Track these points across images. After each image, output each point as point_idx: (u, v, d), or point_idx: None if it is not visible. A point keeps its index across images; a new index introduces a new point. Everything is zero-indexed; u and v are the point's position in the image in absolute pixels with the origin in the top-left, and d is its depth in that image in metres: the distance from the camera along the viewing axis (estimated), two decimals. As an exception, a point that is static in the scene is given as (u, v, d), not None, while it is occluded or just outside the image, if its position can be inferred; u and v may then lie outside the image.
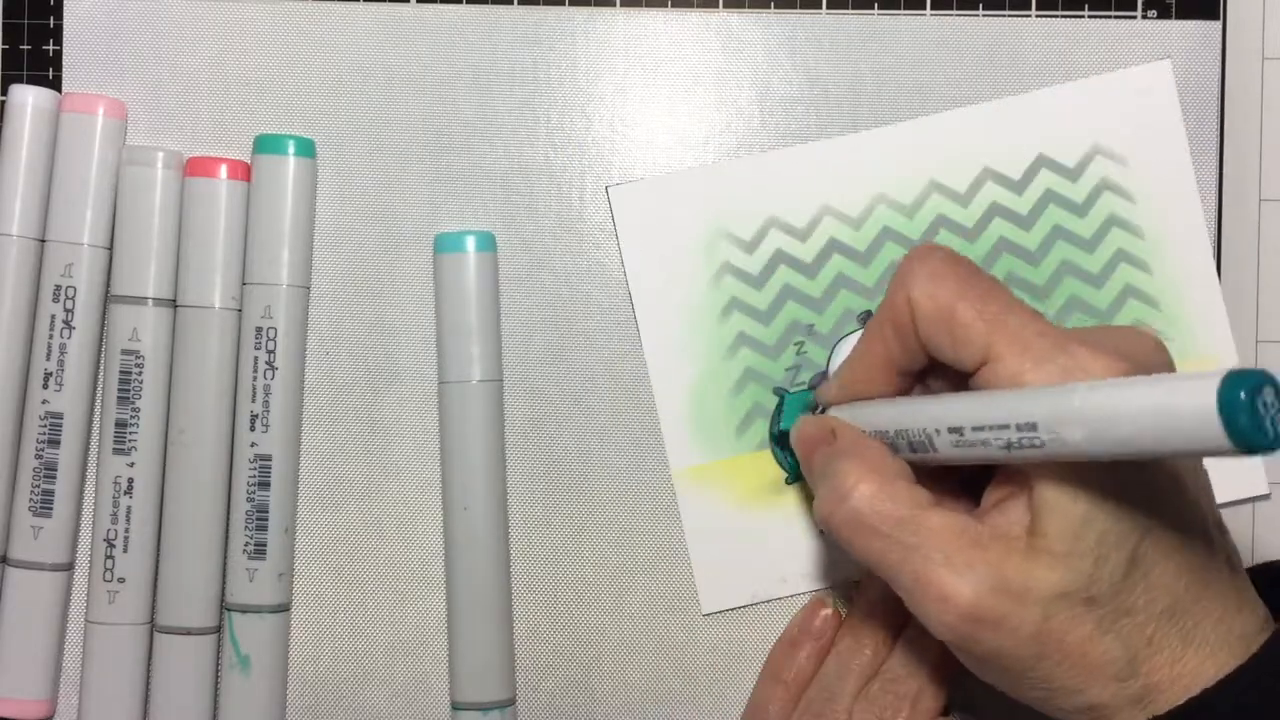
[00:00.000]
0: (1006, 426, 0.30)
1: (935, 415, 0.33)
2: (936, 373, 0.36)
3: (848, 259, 0.43)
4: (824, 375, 0.43)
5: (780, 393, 0.43)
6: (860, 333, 0.40)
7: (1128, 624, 0.32)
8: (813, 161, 0.43)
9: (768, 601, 0.43)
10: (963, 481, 0.36)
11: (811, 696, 0.40)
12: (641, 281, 0.43)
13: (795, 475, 0.43)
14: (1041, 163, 0.43)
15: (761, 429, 0.43)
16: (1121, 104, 0.43)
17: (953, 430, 0.32)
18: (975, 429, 0.31)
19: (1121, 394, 0.27)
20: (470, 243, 0.42)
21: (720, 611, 0.43)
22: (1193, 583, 0.32)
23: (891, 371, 0.36)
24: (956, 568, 0.32)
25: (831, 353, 0.43)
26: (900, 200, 0.43)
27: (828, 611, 0.42)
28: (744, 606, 0.43)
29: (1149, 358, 0.33)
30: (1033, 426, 0.29)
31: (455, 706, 0.42)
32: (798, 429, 0.38)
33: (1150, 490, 0.32)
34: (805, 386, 0.43)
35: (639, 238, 0.43)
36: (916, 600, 0.32)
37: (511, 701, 0.42)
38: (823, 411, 0.38)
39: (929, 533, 0.32)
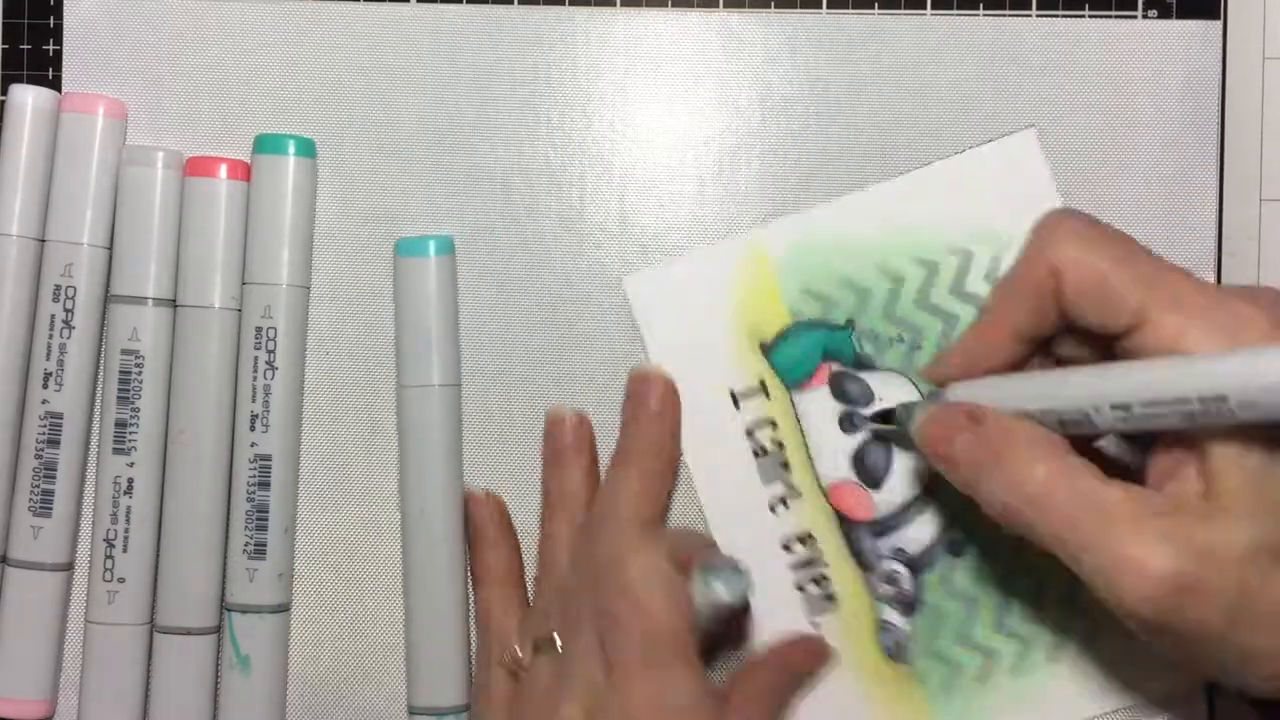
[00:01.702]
0: (1189, 399, 0.29)
1: (1098, 390, 0.32)
2: (1067, 337, 0.35)
3: (886, 320, 0.43)
4: (869, 362, 0.43)
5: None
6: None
7: None
8: (821, 224, 0.43)
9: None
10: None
11: (538, 600, 0.41)
12: (668, 365, 0.43)
13: (775, 368, 0.43)
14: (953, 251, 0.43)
15: None
16: (994, 182, 0.43)
17: (1117, 406, 0.31)
18: (1146, 404, 0.31)
19: None
20: (431, 247, 0.42)
21: None
22: None
23: (1017, 341, 0.35)
24: (1149, 539, 0.31)
25: (885, 368, 0.43)
26: (924, 256, 0.43)
27: (484, 498, 0.42)
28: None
29: (1274, 323, 0.32)
30: (1222, 398, 0.29)
31: (411, 711, 0.42)
32: (927, 421, 0.36)
33: None
34: (852, 335, 0.43)
35: (661, 324, 0.43)
36: (1110, 579, 0.31)
37: (467, 706, 0.42)
38: (933, 396, 0.37)
39: (1114, 507, 0.31)
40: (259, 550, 0.42)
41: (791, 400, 0.43)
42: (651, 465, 0.41)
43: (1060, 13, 0.44)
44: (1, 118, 0.42)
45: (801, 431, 0.43)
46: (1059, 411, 0.33)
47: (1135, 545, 0.31)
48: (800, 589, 0.42)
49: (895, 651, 0.42)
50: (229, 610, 0.42)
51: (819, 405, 0.43)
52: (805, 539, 0.43)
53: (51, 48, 0.44)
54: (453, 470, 0.42)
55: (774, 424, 0.43)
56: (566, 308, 0.43)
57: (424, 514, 0.42)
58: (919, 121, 0.43)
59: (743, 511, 0.43)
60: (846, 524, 0.43)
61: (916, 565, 0.43)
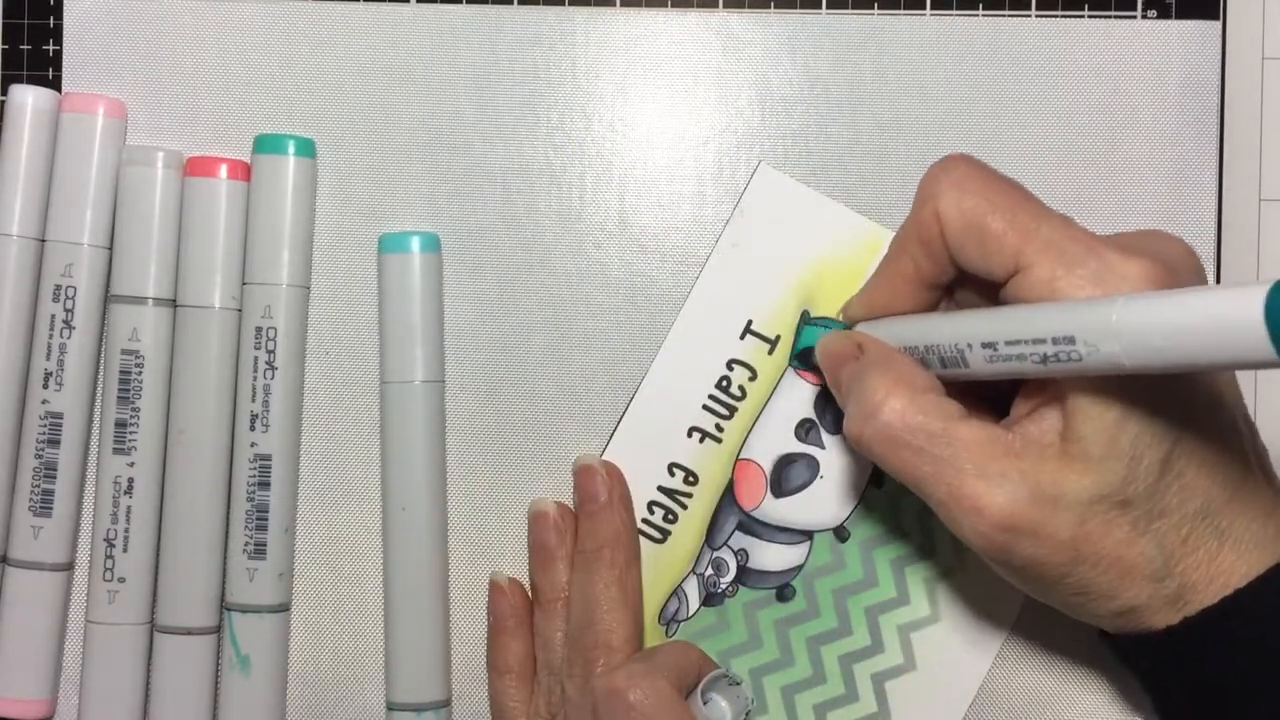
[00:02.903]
0: (1043, 341, 0.30)
1: (967, 330, 0.33)
2: (964, 285, 0.36)
3: None
4: None
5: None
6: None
7: (1162, 525, 0.32)
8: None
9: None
10: (989, 396, 0.36)
11: (541, 679, 0.41)
12: (721, 270, 0.43)
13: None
14: None
15: None
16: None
17: (986, 345, 0.32)
18: (1009, 343, 0.31)
19: (1161, 307, 0.27)
20: (415, 243, 0.42)
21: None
22: (1226, 484, 0.32)
23: (918, 286, 0.36)
24: (990, 478, 0.31)
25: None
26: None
27: (507, 586, 0.42)
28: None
29: (1181, 261, 0.33)
30: (1070, 340, 0.29)
31: (390, 707, 0.42)
32: (823, 345, 0.38)
33: (1183, 396, 0.32)
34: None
35: (756, 223, 0.43)
36: (950, 513, 0.32)
37: (446, 703, 0.42)
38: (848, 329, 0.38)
39: (961, 444, 0.32)
40: (259, 550, 0.42)
41: (784, 372, 0.43)
42: (616, 558, 0.41)
43: (1060, 13, 0.44)
44: (1, 118, 0.42)
45: (767, 402, 0.43)
46: (939, 348, 0.34)
47: (977, 483, 0.32)
48: (650, 510, 0.43)
49: (667, 619, 0.43)
50: (229, 610, 0.42)
51: (797, 397, 0.43)
52: (690, 476, 0.43)
53: (51, 48, 0.44)
54: (435, 468, 0.42)
55: (754, 376, 0.43)
56: (566, 308, 0.43)
57: (406, 510, 0.42)
58: (919, 121, 0.43)
59: (670, 412, 0.43)
60: (728, 496, 0.43)
61: (742, 578, 0.43)
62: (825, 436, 0.43)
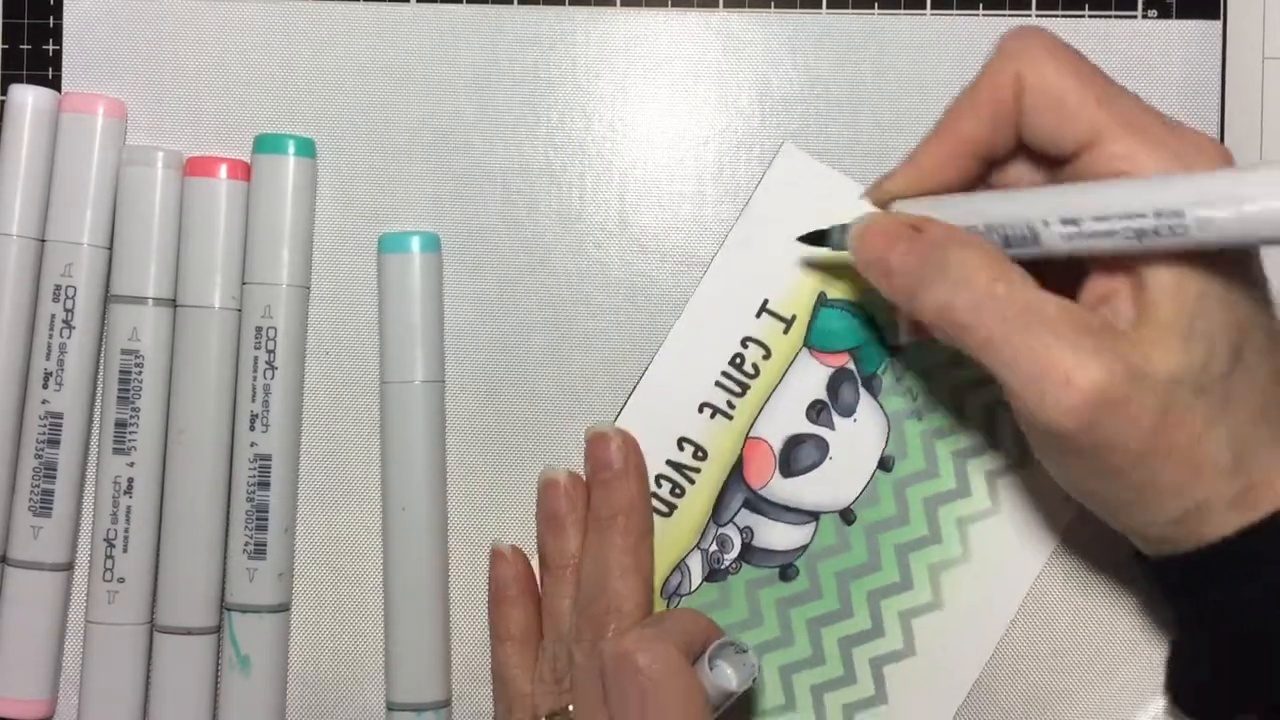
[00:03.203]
0: (1143, 215, 0.29)
1: (1043, 206, 0.32)
2: (1012, 168, 0.35)
3: None
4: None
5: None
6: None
7: (1232, 419, 0.32)
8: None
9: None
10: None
11: (546, 646, 0.41)
12: (742, 246, 0.43)
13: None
14: None
15: None
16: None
17: (1067, 221, 0.31)
18: (1098, 219, 0.30)
19: (1274, 177, 0.28)
20: (415, 243, 0.42)
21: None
22: None
23: (971, 158, 0.35)
24: (1082, 352, 0.31)
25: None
26: None
27: (509, 554, 0.42)
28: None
29: (1227, 156, 0.33)
30: (1178, 213, 0.29)
31: (390, 707, 0.42)
32: (867, 227, 0.35)
33: (1249, 287, 0.32)
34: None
35: (779, 201, 0.43)
36: (1038, 387, 0.31)
37: (446, 703, 0.42)
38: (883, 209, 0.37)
39: (1050, 319, 0.31)
40: (259, 550, 0.42)
41: (799, 353, 0.43)
42: (631, 525, 0.41)
43: (1060, 13, 0.44)
44: (1, 118, 0.42)
45: (780, 381, 0.43)
46: (1005, 227, 0.33)
47: (1067, 356, 0.31)
48: (658, 484, 0.43)
49: (669, 593, 0.43)
50: (229, 610, 0.42)
51: (810, 378, 0.43)
52: (700, 451, 0.43)
53: (51, 48, 0.44)
54: (435, 468, 0.42)
55: (768, 354, 0.43)
56: (566, 308, 0.43)
57: (405, 510, 0.42)
58: (919, 121, 0.43)
59: (682, 385, 0.43)
60: (735, 471, 0.43)
61: (746, 556, 0.43)
62: (836, 418, 0.43)
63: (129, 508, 0.42)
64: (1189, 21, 0.44)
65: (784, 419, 0.43)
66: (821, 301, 0.43)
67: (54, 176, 0.42)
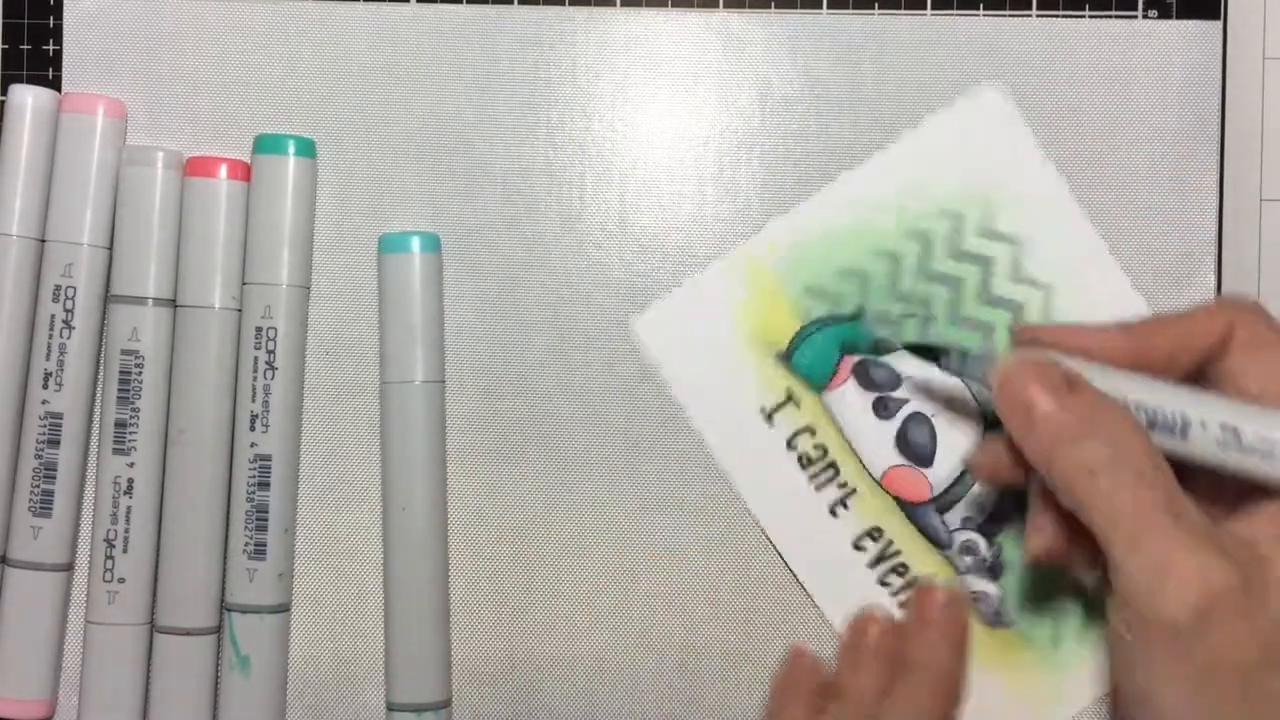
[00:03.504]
0: None
1: (1210, 407, 0.32)
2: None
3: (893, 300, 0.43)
4: (892, 346, 0.42)
5: (860, 314, 0.43)
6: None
7: None
8: (813, 215, 0.43)
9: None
10: None
11: None
12: (694, 399, 0.43)
13: (793, 366, 0.43)
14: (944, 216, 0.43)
15: None
16: (968, 142, 0.43)
17: (1227, 428, 0.31)
18: (1262, 438, 0.30)
19: None
20: (415, 243, 0.42)
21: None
22: None
23: (1134, 359, 0.35)
24: (1213, 550, 0.30)
25: (907, 350, 0.43)
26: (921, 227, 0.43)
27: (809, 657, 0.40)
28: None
29: None
30: None
31: (390, 707, 0.42)
32: (1018, 365, 0.34)
33: None
34: (871, 331, 0.43)
35: (676, 359, 0.43)
36: (1159, 576, 0.30)
37: (447, 703, 0.42)
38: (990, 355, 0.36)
39: (1188, 509, 0.31)
40: (259, 550, 0.42)
41: (822, 402, 0.43)
42: (941, 687, 0.37)
43: (1060, 13, 0.44)
44: (1, 118, 0.42)
45: (839, 429, 0.43)
46: (1155, 410, 0.33)
47: (1197, 555, 0.30)
48: (883, 584, 0.43)
49: (995, 619, 0.42)
50: (229, 610, 0.42)
51: (850, 399, 0.43)
52: (874, 533, 0.43)
53: (51, 48, 0.44)
54: (435, 468, 0.42)
55: (811, 430, 0.43)
56: (566, 308, 0.43)
57: (406, 511, 0.42)
58: (919, 121, 0.43)
59: (804, 523, 0.43)
60: (909, 508, 0.43)
61: (988, 530, 0.43)
62: (891, 397, 0.43)
63: (129, 508, 0.42)
64: (1189, 21, 0.44)
65: (875, 441, 0.43)
66: (784, 359, 0.43)
67: (54, 176, 0.42)
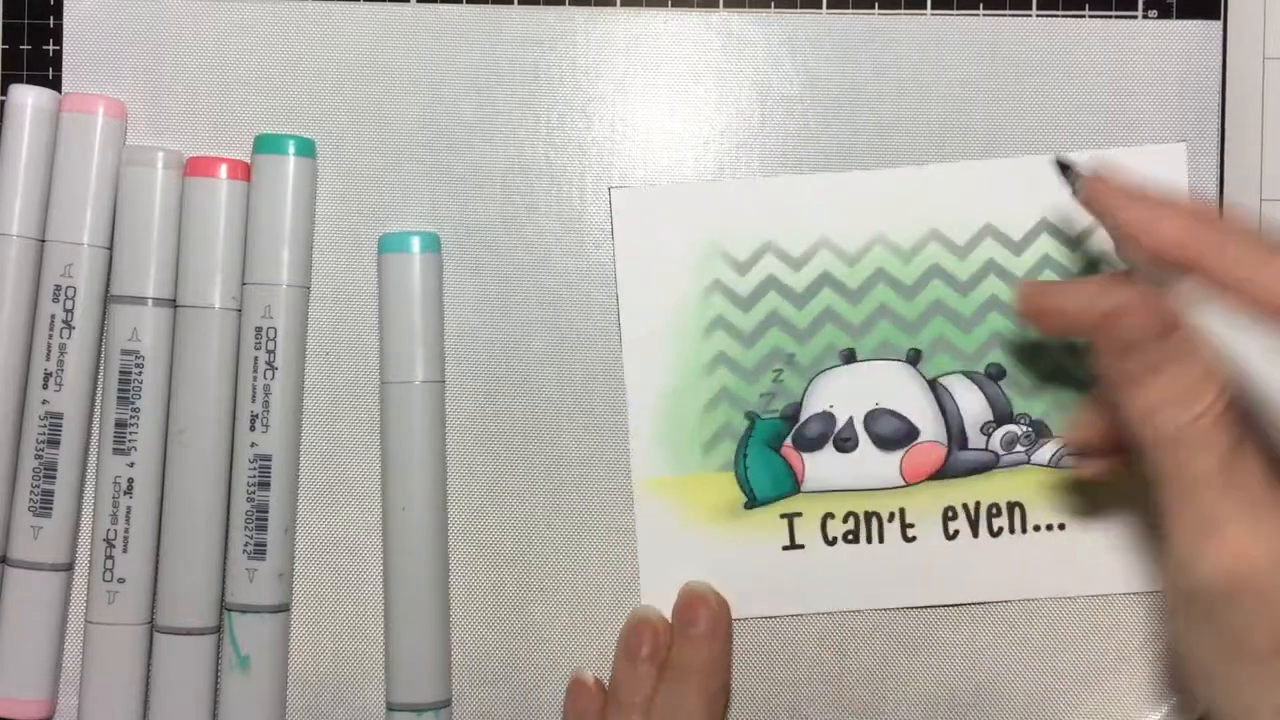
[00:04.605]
0: None
1: None
2: None
3: (838, 294, 0.43)
4: (797, 405, 0.43)
5: (752, 417, 0.43)
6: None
7: None
8: (817, 192, 0.43)
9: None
10: None
11: None
12: (631, 286, 0.43)
13: (755, 500, 0.43)
14: (1043, 227, 0.43)
15: (728, 450, 0.43)
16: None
17: None
18: None
19: None
20: (415, 243, 0.42)
21: None
22: None
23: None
24: (1259, 523, 0.29)
25: (808, 386, 0.43)
26: (899, 244, 0.43)
27: (593, 688, 0.42)
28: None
29: None
30: None
31: (390, 707, 0.42)
32: (1131, 291, 0.33)
33: None
34: (777, 415, 0.43)
35: (635, 242, 0.43)
36: (1192, 537, 0.30)
37: (447, 703, 0.42)
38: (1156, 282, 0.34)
39: (1248, 475, 0.30)
40: (259, 550, 0.42)
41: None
42: (707, 684, 0.41)
43: (1060, 13, 0.44)
44: (1, 118, 0.42)
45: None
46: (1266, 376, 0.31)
47: (1241, 525, 0.29)
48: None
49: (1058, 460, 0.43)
50: (229, 610, 0.42)
51: (825, 458, 0.43)
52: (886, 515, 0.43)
53: (51, 48, 0.44)
54: (435, 468, 0.42)
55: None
56: (566, 308, 0.43)
57: (406, 510, 0.42)
58: (919, 121, 0.43)
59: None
60: (942, 471, 0.43)
61: (1007, 420, 0.43)
62: (841, 427, 0.43)
63: (129, 508, 0.42)
64: (1189, 21, 0.44)
65: (879, 470, 0.43)
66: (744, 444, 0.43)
67: (54, 176, 0.42)
